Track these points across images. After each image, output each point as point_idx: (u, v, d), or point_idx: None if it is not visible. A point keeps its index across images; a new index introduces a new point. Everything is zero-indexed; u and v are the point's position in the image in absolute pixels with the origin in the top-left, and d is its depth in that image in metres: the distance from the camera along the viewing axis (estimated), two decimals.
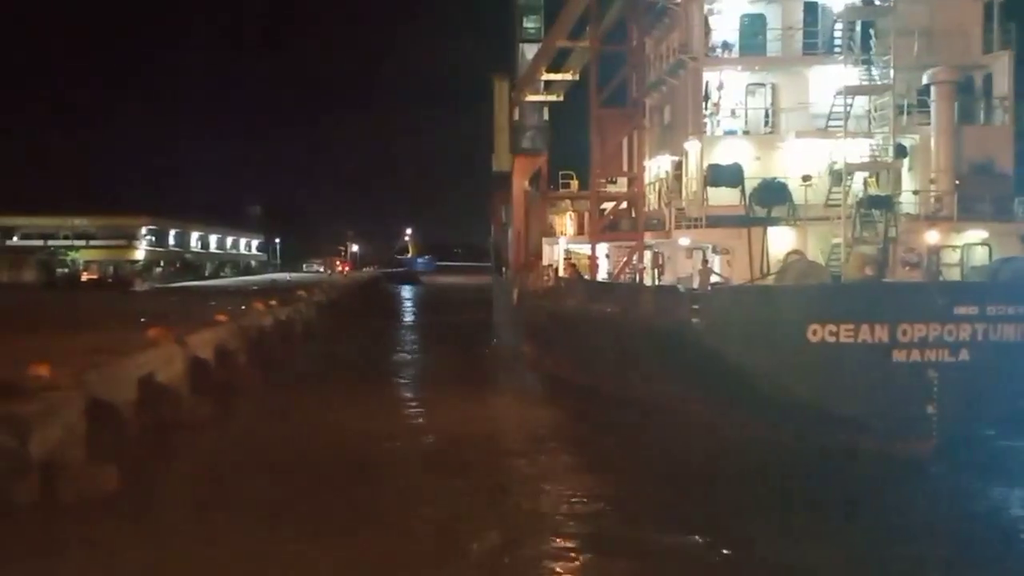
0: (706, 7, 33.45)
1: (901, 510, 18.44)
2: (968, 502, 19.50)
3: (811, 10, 33.18)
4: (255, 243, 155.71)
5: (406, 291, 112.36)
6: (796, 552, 15.69)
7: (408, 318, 74.48)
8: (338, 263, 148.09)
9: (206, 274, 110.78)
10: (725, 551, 15.70)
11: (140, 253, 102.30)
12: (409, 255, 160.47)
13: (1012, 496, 19.82)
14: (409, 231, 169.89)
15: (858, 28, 31.20)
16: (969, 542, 16.87)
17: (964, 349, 22.16)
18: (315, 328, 51.08)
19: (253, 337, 36.42)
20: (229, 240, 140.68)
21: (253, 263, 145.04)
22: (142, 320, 31.89)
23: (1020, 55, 32.82)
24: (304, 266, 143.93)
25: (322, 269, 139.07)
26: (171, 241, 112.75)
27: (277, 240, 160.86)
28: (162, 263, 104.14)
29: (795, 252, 29.56)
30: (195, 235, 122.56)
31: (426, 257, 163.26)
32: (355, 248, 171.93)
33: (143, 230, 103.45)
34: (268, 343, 38.79)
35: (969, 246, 29.94)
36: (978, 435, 23.10)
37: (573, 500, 18.69)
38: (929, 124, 31.50)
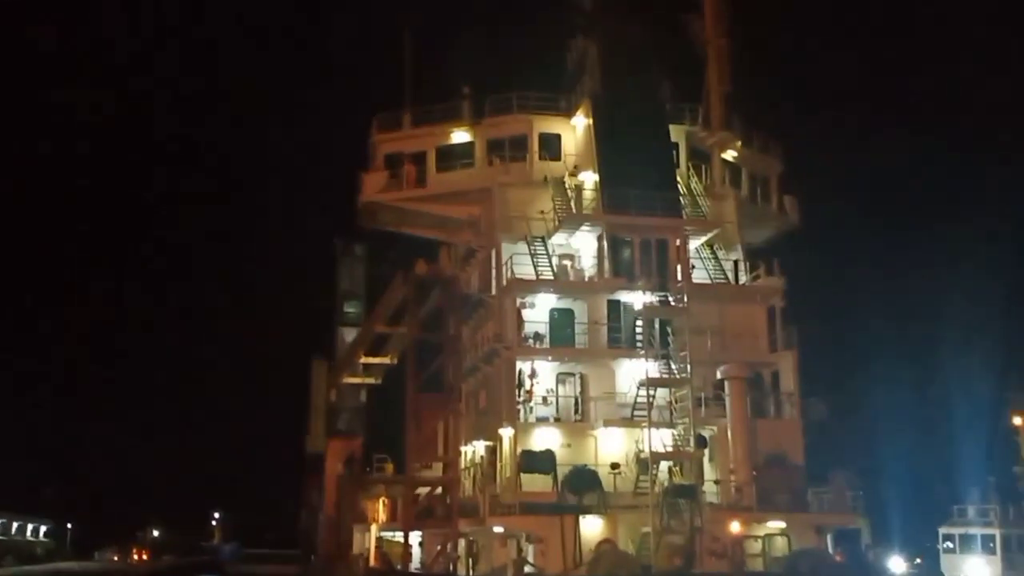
0: (519, 300, 35.32)
1: None
2: None
3: (614, 307, 35.55)
4: (43, 528, 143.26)
5: None
6: None
7: None
8: (135, 551, 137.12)
9: None
10: None
11: None
12: (215, 541, 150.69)
13: None
14: (217, 515, 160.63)
15: (657, 325, 33.53)
16: None
17: None
18: None
19: None
20: (15, 525, 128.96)
21: (39, 550, 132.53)
22: None
23: (802, 355, 35.96)
24: (96, 554, 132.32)
25: (116, 557, 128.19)
26: None
27: (68, 525, 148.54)
28: None
29: (606, 541, 29.74)
30: None
31: (233, 543, 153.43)
32: (156, 533, 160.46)
33: None
34: None
35: (769, 536, 30.98)
36: None
37: None
38: (725, 416, 33.39)
